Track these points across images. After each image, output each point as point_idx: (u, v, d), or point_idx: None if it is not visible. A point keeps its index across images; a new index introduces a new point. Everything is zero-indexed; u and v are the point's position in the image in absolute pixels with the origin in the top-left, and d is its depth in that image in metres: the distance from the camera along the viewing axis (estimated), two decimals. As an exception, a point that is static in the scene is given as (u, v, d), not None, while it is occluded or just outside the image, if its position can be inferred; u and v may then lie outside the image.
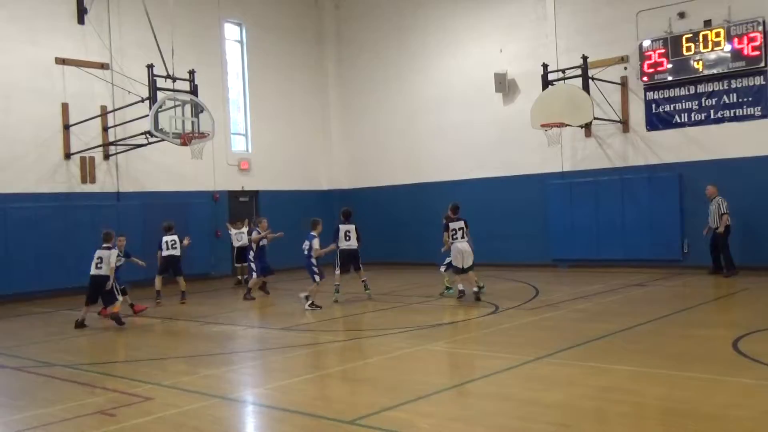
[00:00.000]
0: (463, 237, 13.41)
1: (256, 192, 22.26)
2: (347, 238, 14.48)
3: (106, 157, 18.61)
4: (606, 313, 11.72)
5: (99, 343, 10.96)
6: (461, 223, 13.50)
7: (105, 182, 18.65)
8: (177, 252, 15.07)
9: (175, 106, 16.33)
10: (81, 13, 18.27)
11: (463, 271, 13.30)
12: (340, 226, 14.61)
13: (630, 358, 8.04)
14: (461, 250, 13.24)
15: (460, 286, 13.50)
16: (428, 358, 8.93)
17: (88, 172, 18.24)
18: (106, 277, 12.07)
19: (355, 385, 7.57)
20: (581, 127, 18.22)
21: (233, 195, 21.70)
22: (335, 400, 6.97)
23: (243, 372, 8.70)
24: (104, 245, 12.33)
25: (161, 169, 19.46)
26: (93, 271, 12.15)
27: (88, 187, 18.26)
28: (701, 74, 16.93)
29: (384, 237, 21.69)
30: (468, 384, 7.28)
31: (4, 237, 16.42)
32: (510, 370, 7.81)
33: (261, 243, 15.81)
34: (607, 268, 17.85)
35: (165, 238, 15.07)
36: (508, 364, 8.02)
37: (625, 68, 18.17)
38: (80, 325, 12.19)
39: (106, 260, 12.11)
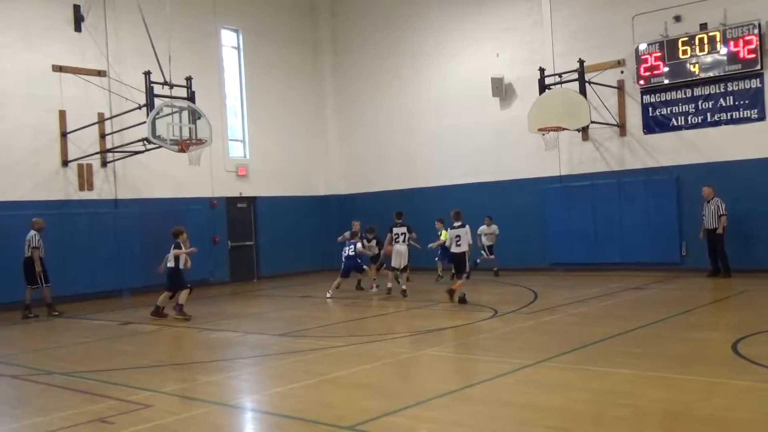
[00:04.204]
0: (404, 241, 15.43)
1: (254, 198, 22.26)
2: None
3: (104, 164, 18.60)
4: (604, 316, 11.72)
5: (97, 351, 10.93)
6: (404, 229, 15.47)
7: (103, 189, 18.63)
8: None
9: (172, 113, 16.35)
10: (78, 21, 18.29)
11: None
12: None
13: (629, 362, 8.03)
14: (398, 251, 15.31)
15: (390, 284, 15.49)
16: (427, 363, 8.92)
17: (85, 179, 18.22)
18: (464, 254, 13.75)
19: (354, 391, 7.55)
20: (578, 130, 18.26)
21: (231, 201, 21.70)
22: (334, 405, 6.95)
23: (242, 378, 8.68)
24: (456, 224, 13.80)
25: (159, 176, 19.45)
26: (454, 250, 13.77)
27: (86, 195, 18.24)
28: (697, 77, 16.99)
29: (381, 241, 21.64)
30: (467, 389, 7.27)
31: (2, 245, 16.36)
32: (509, 374, 7.80)
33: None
34: (605, 271, 17.86)
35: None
36: (507, 369, 8.01)
37: (622, 72, 18.22)
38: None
39: (464, 238, 13.68)
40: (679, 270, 17.11)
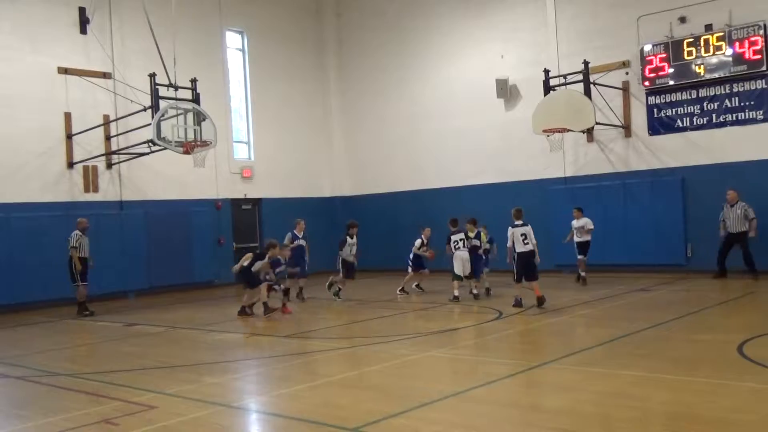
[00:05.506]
0: (464, 247, 14.43)
1: (259, 200, 22.28)
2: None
3: (109, 166, 18.65)
4: (610, 318, 11.70)
5: (102, 352, 10.95)
6: (461, 235, 14.52)
7: (108, 191, 18.68)
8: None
9: (177, 115, 16.39)
10: (83, 23, 18.36)
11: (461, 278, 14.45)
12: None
13: (635, 363, 8.01)
14: (461, 258, 14.33)
15: (456, 292, 14.32)
16: (432, 365, 8.90)
17: (90, 181, 18.27)
18: (533, 253, 12.76)
19: (359, 393, 7.55)
20: (583, 132, 18.23)
21: (236, 203, 21.72)
22: (339, 407, 6.95)
23: (247, 380, 8.69)
24: (517, 222, 12.88)
25: (164, 178, 19.48)
26: (521, 249, 12.74)
27: (91, 196, 18.29)
28: (703, 78, 16.95)
29: (386, 243, 21.65)
30: (472, 390, 7.26)
31: (8, 246, 16.44)
32: (514, 376, 7.79)
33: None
34: (611, 273, 17.80)
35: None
36: (513, 370, 8.00)
37: (627, 73, 18.19)
38: (518, 304, 12.79)
39: (530, 236, 12.77)
40: (685, 271, 17.06)
